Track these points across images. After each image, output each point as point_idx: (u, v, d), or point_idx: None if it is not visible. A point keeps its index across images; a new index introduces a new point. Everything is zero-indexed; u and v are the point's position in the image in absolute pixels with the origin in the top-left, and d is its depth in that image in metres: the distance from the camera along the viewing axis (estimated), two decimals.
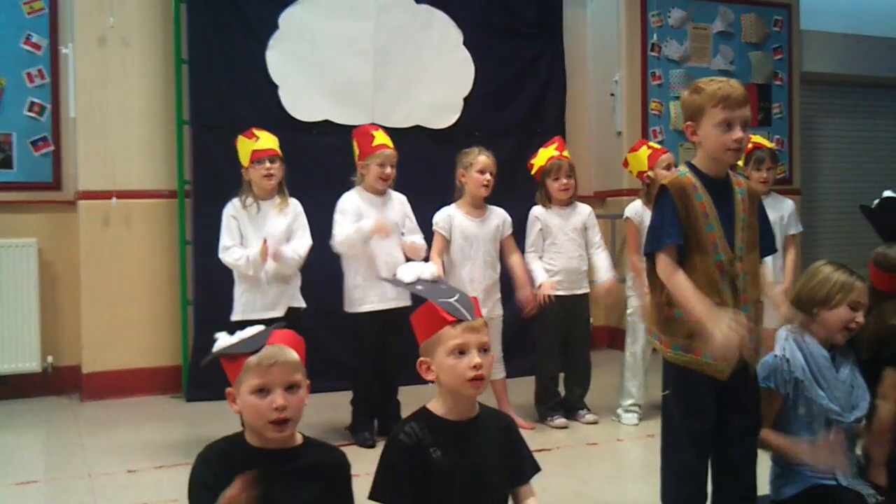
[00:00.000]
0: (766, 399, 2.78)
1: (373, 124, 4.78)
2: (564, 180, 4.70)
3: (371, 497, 2.14)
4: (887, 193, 3.28)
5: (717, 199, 2.63)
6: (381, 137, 4.47)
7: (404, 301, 4.37)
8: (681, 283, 2.56)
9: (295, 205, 4.37)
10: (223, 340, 2.11)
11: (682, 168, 2.71)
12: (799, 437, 2.79)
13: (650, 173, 4.75)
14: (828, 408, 2.75)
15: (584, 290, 4.79)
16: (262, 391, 2.01)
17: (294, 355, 2.06)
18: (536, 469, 2.28)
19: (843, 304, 2.76)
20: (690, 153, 6.67)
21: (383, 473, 2.12)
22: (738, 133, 2.57)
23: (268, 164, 4.22)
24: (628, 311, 4.79)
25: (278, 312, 4.20)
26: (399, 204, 4.55)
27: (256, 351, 2.03)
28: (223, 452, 2.05)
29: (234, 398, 2.07)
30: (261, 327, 2.15)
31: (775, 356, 2.79)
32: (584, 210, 4.83)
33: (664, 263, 2.61)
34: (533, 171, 4.83)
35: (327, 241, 4.48)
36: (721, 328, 2.42)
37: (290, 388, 2.03)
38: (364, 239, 4.30)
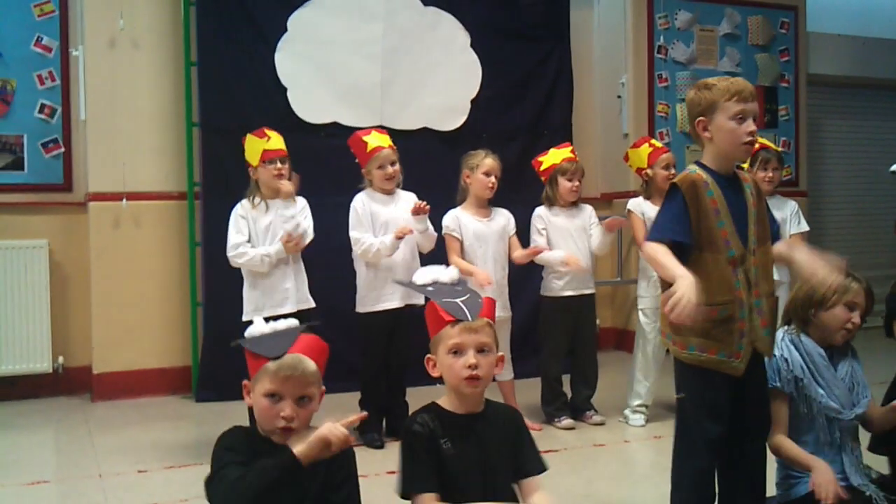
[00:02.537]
0: (776, 401, 2.79)
1: (364, 129, 4.77)
2: (577, 182, 4.74)
3: (402, 493, 2.16)
4: None
5: (727, 195, 2.65)
6: (373, 140, 4.50)
7: (413, 299, 4.40)
8: (663, 254, 2.55)
9: (300, 200, 4.40)
10: (258, 326, 2.15)
11: (692, 166, 2.72)
12: (805, 442, 2.80)
13: (648, 171, 4.80)
14: (827, 405, 2.76)
15: (590, 290, 4.82)
16: (273, 396, 2.05)
17: (312, 367, 2.08)
18: (542, 468, 2.29)
19: (840, 304, 2.79)
20: (697, 155, 6.68)
21: (409, 465, 2.14)
22: (751, 125, 2.61)
23: (279, 165, 4.24)
24: (640, 311, 4.80)
25: (287, 309, 4.21)
26: (407, 202, 4.58)
27: (278, 357, 2.06)
28: (240, 438, 2.10)
29: (248, 391, 2.12)
30: (293, 322, 2.18)
31: (774, 356, 2.80)
32: (586, 210, 4.86)
33: (651, 246, 2.60)
34: (542, 168, 4.83)
35: (334, 242, 4.52)
36: (686, 287, 2.38)
37: (302, 399, 2.06)
38: (391, 250, 4.36)
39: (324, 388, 2.14)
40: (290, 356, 2.07)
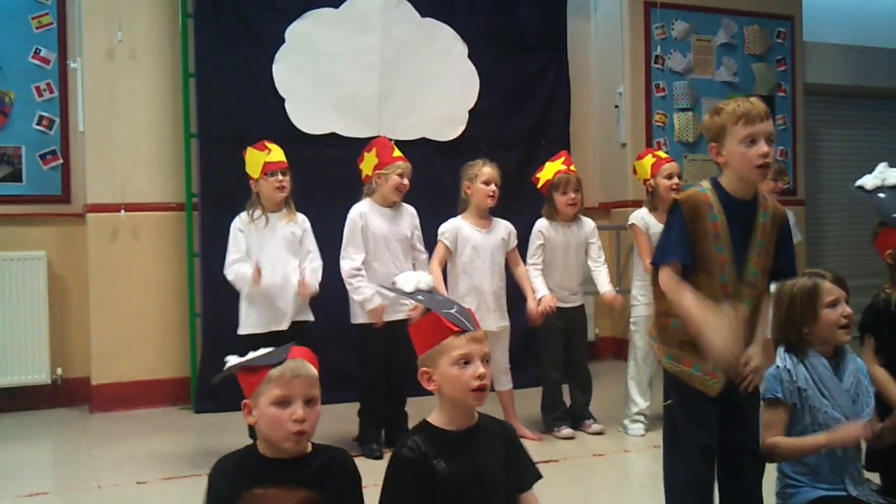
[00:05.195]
0: (774, 410, 2.77)
1: (369, 139, 4.82)
2: (572, 194, 4.74)
3: None
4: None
5: (733, 221, 2.62)
6: (398, 150, 4.55)
7: (395, 314, 4.40)
8: (683, 295, 2.56)
9: (303, 221, 4.40)
10: (234, 361, 2.15)
11: (705, 184, 2.69)
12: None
13: (652, 181, 4.80)
14: (832, 416, 2.75)
15: (579, 302, 4.83)
16: (283, 402, 2.05)
17: (313, 371, 2.11)
18: (538, 476, 2.29)
19: (821, 309, 2.77)
20: (695, 165, 6.73)
21: (390, 491, 2.12)
22: (763, 148, 2.55)
23: (280, 177, 4.25)
24: (632, 321, 4.81)
25: (284, 326, 4.23)
26: (409, 216, 4.59)
27: (279, 363, 2.08)
28: (238, 464, 2.08)
29: (249, 410, 2.11)
30: (271, 349, 2.18)
31: (777, 368, 2.79)
32: (588, 224, 4.86)
33: (666, 276, 2.62)
34: (539, 185, 4.85)
35: (334, 254, 4.51)
36: (719, 333, 2.43)
37: (309, 402, 2.07)
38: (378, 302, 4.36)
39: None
40: (292, 360, 2.09)
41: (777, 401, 2.76)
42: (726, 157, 2.63)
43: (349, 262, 4.39)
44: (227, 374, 2.15)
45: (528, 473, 2.28)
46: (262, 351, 2.16)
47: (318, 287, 4.34)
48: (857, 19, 8.01)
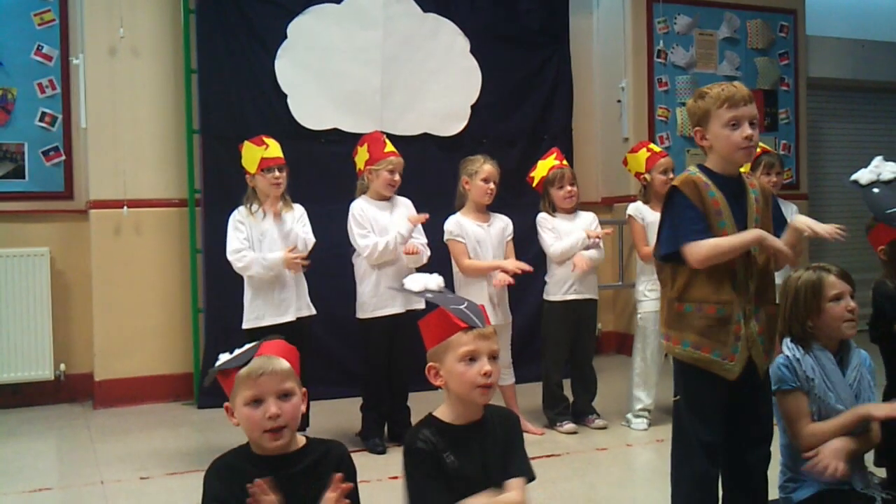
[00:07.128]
0: (795, 399, 2.76)
1: (370, 134, 4.82)
2: (568, 188, 4.75)
3: None
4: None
5: (729, 198, 2.64)
6: (390, 145, 4.53)
7: (414, 305, 4.39)
8: (716, 242, 2.57)
9: (298, 208, 4.40)
10: (222, 359, 2.15)
11: (693, 168, 2.72)
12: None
13: (646, 176, 4.80)
14: (835, 409, 2.75)
15: (593, 295, 4.82)
16: (255, 402, 2.05)
17: (284, 364, 2.09)
18: (524, 473, 2.22)
19: (825, 303, 2.77)
20: (698, 159, 6.66)
21: (417, 485, 2.11)
22: (747, 130, 2.59)
23: (276, 173, 4.24)
24: (639, 317, 4.80)
25: (290, 317, 4.23)
26: (405, 208, 4.58)
27: (246, 364, 2.08)
28: (231, 464, 2.08)
29: (231, 412, 2.12)
30: (246, 346, 2.17)
31: (786, 357, 2.79)
32: (587, 217, 4.85)
33: (693, 251, 2.58)
34: (534, 184, 4.86)
35: (335, 249, 4.51)
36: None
37: (283, 396, 2.07)
38: (406, 238, 4.35)
39: (305, 389, 2.14)
40: (258, 358, 2.09)
41: (794, 390, 2.76)
42: (711, 141, 2.67)
43: (365, 240, 4.36)
44: (213, 378, 2.15)
45: (516, 465, 2.22)
46: (244, 348, 2.15)
47: (305, 245, 4.27)
48: (859, 13, 7.99)
